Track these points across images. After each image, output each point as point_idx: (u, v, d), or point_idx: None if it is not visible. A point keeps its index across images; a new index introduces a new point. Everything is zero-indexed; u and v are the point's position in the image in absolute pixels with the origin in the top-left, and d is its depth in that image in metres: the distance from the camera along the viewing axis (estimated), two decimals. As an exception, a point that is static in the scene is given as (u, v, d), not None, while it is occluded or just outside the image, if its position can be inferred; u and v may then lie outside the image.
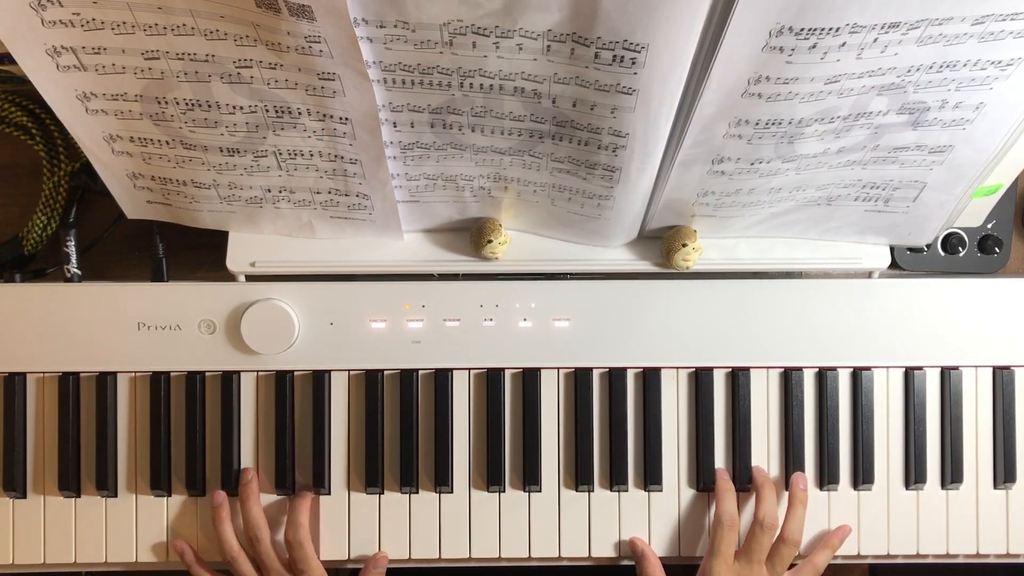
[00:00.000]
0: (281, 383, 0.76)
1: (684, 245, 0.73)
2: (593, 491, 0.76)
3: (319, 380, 0.76)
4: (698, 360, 0.77)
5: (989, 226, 0.81)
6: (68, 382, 0.75)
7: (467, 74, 0.58)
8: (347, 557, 0.76)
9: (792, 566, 0.74)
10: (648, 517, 0.76)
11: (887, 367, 0.77)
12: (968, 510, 0.77)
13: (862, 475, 0.76)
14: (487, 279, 0.77)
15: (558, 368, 0.77)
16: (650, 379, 0.76)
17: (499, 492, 0.76)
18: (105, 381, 0.75)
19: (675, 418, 0.77)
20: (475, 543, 0.76)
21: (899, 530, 0.77)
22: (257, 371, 0.76)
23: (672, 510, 0.77)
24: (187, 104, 0.62)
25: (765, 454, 0.77)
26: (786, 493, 0.76)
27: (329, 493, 0.76)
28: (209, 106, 0.62)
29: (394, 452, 0.76)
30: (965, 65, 0.57)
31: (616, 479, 0.76)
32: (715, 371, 0.77)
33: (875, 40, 0.53)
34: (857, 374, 0.77)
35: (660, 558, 0.75)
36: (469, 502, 0.76)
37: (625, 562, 0.77)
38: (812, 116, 0.60)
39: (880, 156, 0.67)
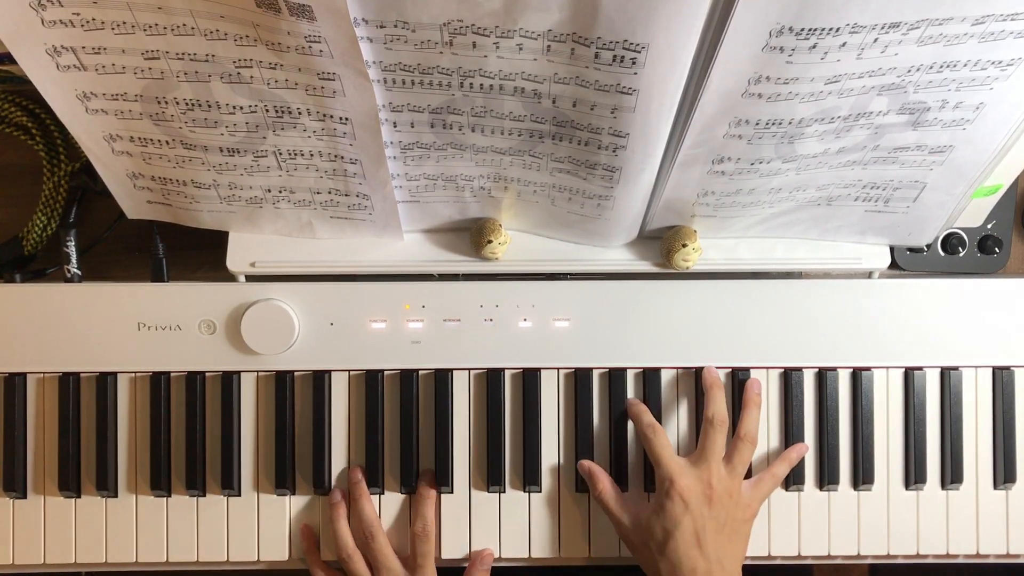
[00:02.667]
0: (281, 383, 0.76)
1: (684, 245, 0.73)
2: (593, 491, 0.76)
3: (319, 380, 0.76)
4: (698, 360, 0.77)
5: (989, 226, 0.81)
6: (68, 382, 0.75)
7: (467, 74, 0.58)
8: (347, 557, 0.76)
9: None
10: (648, 517, 0.76)
11: (887, 367, 0.77)
12: (968, 510, 0.77)
13: (862, 475, 0.76)
14: (487, 279, 0.77)
15: (558, 368, 0.77)
16: (650, 379, 0.76)
17: (499, 492, 0.76)
18: (105, 381, 0.75)
19: (675, 418, 0.77)
20: (475, 543, 0.76)
21: (899, 530, 0.77)
22: (257, 371, 0.76)
23: (672, 510, 0.76)
24: (187, 104, 0.62)
25: (765, 454, 0.77)
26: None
27: (329, 493, 0.76)
28: (209, 106, 0.62)
29: (394, 452, 0.76)
30: (965, 65, 0.57)
31: (616, 479, 0.76)
32: (715, 371, 0.77)
33: (875, 40, 0.53)
34: (857, 374, 0.77)
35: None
36: (469, 502, 0.76)
37: (625, 562, 0.77)
38: (812, 116, 0.60)
39: (880, 156, 0.67)
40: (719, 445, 0.72)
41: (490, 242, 0.73)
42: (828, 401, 0.77)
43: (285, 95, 0.61)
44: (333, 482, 0.76)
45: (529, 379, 0.76)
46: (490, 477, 0.76)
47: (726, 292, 0.76)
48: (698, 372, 0.76)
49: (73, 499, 0.76)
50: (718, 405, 0.73)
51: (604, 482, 0.74)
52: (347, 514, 0.75)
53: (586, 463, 0.75)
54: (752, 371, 0.77)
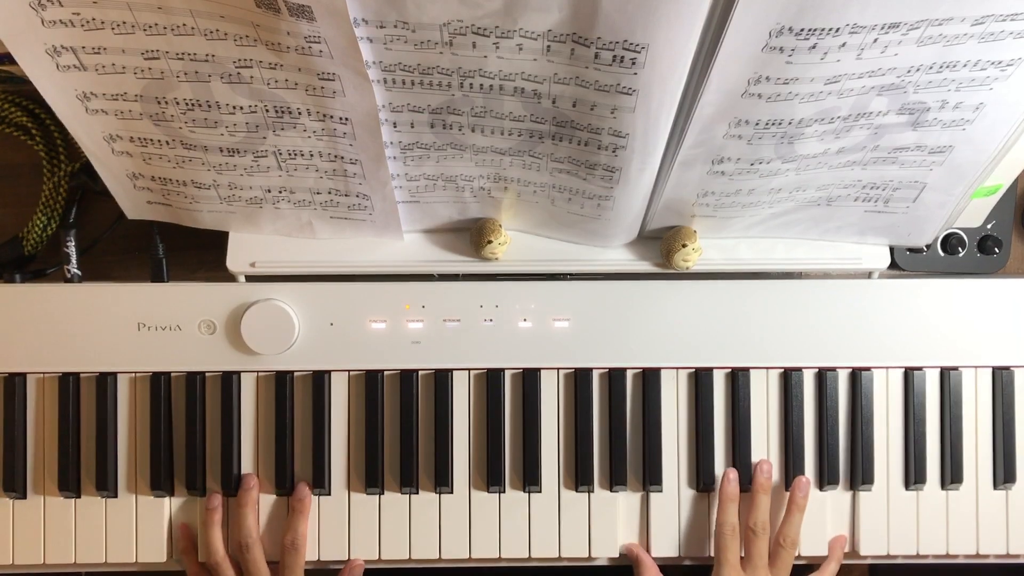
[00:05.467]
0: (281, 383, 0.76)
1: (684, 245, 0.73)
2: (593, 491, 0.76)
3: (319, 380, 0.76)
4: (698, 360, 0.77)
5: (989, 226, 0.81)
6: (68, 382, 0.75)
7: (467, 74, 0.58)
8: (347, 557, 0.76)
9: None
10: (648, 517, 0.76)
11: (887, 367, 0.77)
12: (968, 510, 0.77)
13: (862, 475, 0.76)
14: (487, 279, 0.77)
15: (558, 368, 0.77)
16: (650, 379, 0.76)
17: (499, 492, 0.76)
18: (105, 381, 0.75)
19: (675, 418, 0.77)
20: (475, 543, 0.76)
21: (899, 530, 0.77)
22: (257, 371, 0.76)
23: (672, 510, 0.77)
24: (187, 104, 0.62)
25: (765, 454, 0.77)
26: (786, 495, 0.76)
27: (329, 493, 0.76)
28: (209, 106, 0.62)
29: (394, 452, 0.76)
30: (965, 65, 0.57)
31: (616, 479, 0.76)
32: (715, 371, 0.77)
33: (875, 40, 0.53)
34: (857, 374, 0.77)
35: (660, 559, 0.75)
36: (469, 502, 0.76)
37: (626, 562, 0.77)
38: (812, 116, 0.60)
39: (880, 156, 0.67)
40: (763, 551, 0.73)
41: (490, 242, 0.73)
42: (828, 401, 0.77)
43: (285, 95, 0.61)
44: (334, 482, 0.76)
45: (529, 379, 0.76)
46: (490, 477, 0.76)
47: (726, 292, 0.76)
48: (699, 374, 0.76)
49: (73, 499, 0.76)
50: (761, 513, 0.74)
51: (651, 574, 0.74)
52: (223, 520, 0.75)
53: (635, 549, 0.75)
54: (752, 371, 0.77)
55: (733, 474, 0.75)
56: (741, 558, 0.74)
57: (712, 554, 0.75)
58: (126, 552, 0.76)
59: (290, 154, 0.66)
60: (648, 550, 0.76)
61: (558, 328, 0.76)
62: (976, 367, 0.78)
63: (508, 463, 0.76)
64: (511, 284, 0.76)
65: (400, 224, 0.74)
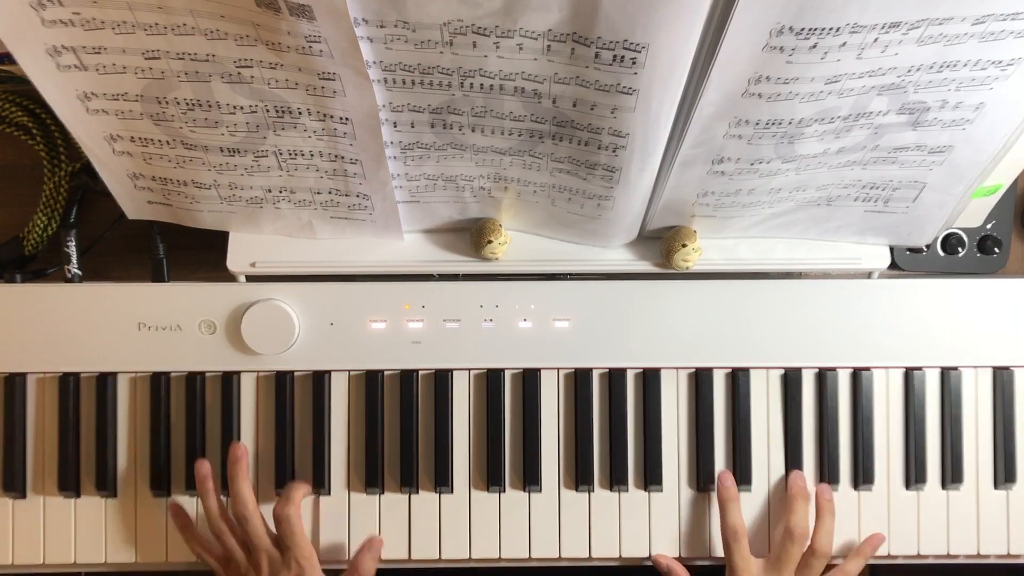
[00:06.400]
0: (281, 383, 0.76)
1: (684, 245, 0.73)
2: (593, 491, 0.76)
3: (319, 380, 0.76)
4: (698, 360, 0.77)
5: (989, 226, 0.81)
6: (68, 382, 0.75)
7: (467, 74, 0.58)
8: (347, 557, 0.76)
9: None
10: (648, 517, 0.76)
11: (887, 367, 0.77)
12: (968, 510, 0.77)
13: (862, 475, 0.76)
14: (487, 279, 0.77)
15: (558, 368, 0.77)
16: (650, 379, 0.76)
17: (499, 492, 0.76)
18: (105, 381, 0.75)
19: (675, 418, 0.77)
20: (475, 543, 0.76)
21: (899, 530, 0.77)
22: (257, 371, 0.76)
23: (672, 510, 0.77)
24: (188, 104, 0.62)
25: (765, 454, 0.77)
26: (787, 494, 0.76)
27: (329, 493, 0.76)
28: (210, 106, 0.62)
29: (394, 452, 0.76)
30: (965, 65, 0.57)
31: (616, 479, 0.76)
32: (715, 371, 0.77)
33: (875, 40, 0.53)
34: (857, 374, 0.77)
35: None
36: (469, 502, 0.76)
37: (628, 562, 0.77)
38: (812, 116, 0.60)
39: (880, 156, 0.67)
40: (795, 558, 0.72)
41: (490, 242, 0.73)
42: (828, 401, 0.77)
43: (285, 95, 0.61)
44: (334, 482, 0.76)
45: (529, 379, 0.76)
46: (490, 477, 0.76)
47: (726, 292, 0.76)
48: (699, 374, 0.76)
49: (73, 499, 0.76)
50: (801, 518, 0.73)
51: None
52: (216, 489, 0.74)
53: (664, 560, 0.75)
54: (752, 371, 0.77)
55: (729, 480, 0.75)
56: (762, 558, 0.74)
57: (711, 553, 0.76)
58: (126, 552, 0.76)
59: (290, 154, 0.66)
60: (648, 550, 0.76)
61: (558, 328, 0.76)
62: (976, 367, 0.78)
63: (508, 463, 0.76)
64: (511, 284, 0.76)
65: (400, 224, 0.74)
